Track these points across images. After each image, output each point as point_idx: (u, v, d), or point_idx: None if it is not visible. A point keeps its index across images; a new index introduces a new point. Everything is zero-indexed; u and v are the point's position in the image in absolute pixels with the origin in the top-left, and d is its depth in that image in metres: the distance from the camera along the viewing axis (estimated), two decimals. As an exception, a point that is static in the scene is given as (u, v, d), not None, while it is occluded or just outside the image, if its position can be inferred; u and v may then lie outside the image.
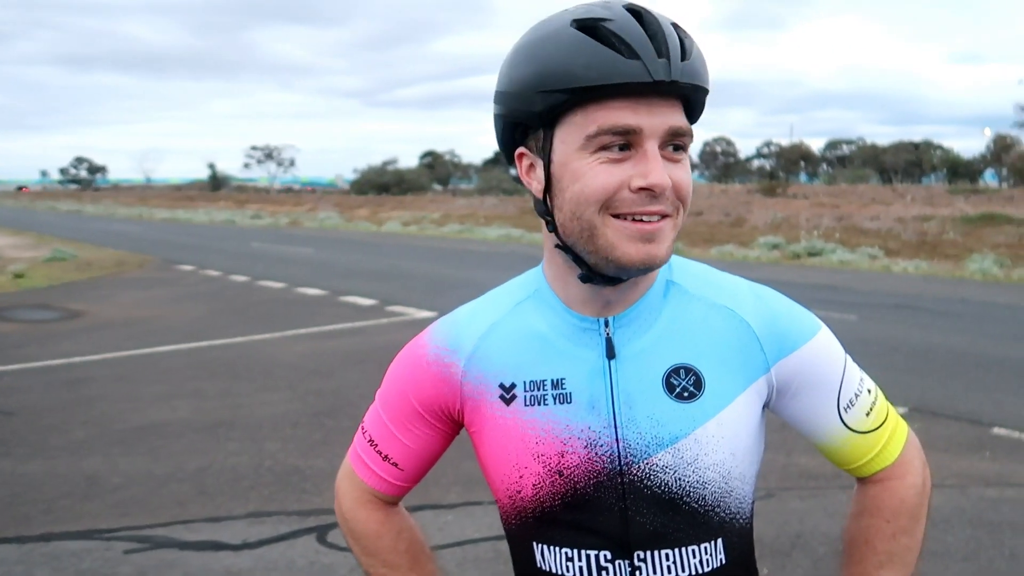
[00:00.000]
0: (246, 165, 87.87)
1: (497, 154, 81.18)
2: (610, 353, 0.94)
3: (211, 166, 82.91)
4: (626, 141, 0.85)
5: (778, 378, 0.97)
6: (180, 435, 5.09)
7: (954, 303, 11.41)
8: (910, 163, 65.86)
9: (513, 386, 0.97)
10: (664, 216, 0.87)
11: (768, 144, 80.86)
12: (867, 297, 11.92)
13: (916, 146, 69.13)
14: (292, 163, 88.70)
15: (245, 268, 15.37)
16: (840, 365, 1.01)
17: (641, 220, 0.86)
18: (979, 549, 3.53)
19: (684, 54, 0.85)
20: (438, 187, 72.08)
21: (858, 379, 1.03)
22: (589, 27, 0.85)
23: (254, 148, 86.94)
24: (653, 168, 0.84)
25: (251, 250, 20.30)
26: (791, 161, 76.65)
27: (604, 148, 0.85)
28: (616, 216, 0.86)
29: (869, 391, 1.03)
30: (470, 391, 0.99)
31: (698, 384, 0.93)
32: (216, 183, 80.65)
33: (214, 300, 11.36)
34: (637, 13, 0.86)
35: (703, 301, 0.97)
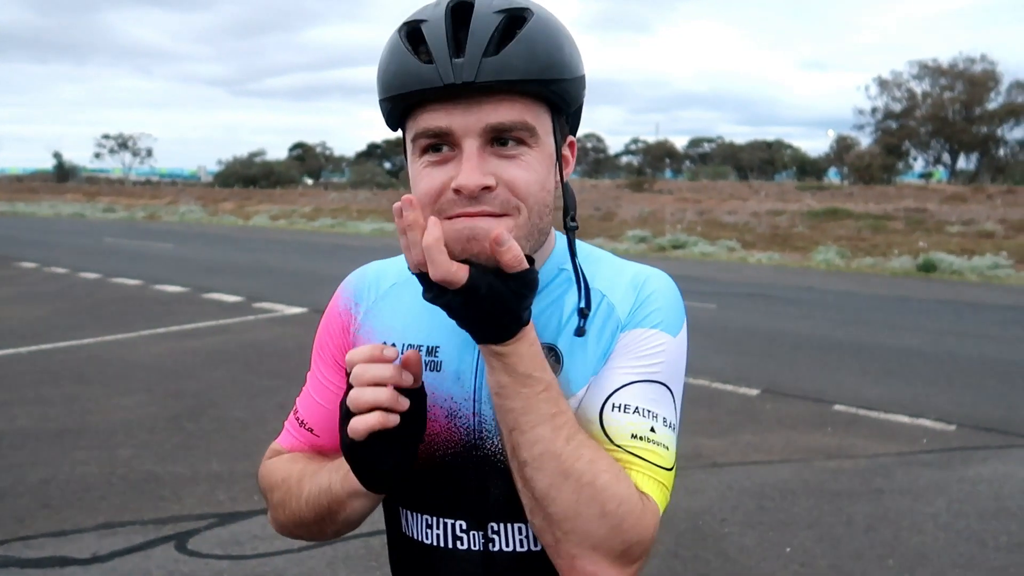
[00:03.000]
0: (97, 155, 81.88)
1: (370, 147, 79.96)
2: None
3: (57, 155, 76.59)
4: (444, 143, 0.84)
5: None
6: (19, 446, 4.68)
7: (801, 291, 12.28)
8: (764, 161, 70.31)
9: (393, 347, 0.96)
10: (496, 215, 0.84)
11: (636, 141, 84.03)
12: (725, 287, 12.63)
13: (769, 145, 73.90)
14: (149, 153, 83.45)
15: (96, 265, 14.33)
16: (652, 374, 0.92)
17: (468, 217, 0.84)
18: (821, 516, 3.83)
19: (492, 49, 0.81)
20: (309, 180, 70.00)
21: (656, 410, 0.91)
22: (411, 30, 0.85)
23: (106, 137, 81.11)
24: (464, 169, 0.82)
25: (103, 245, 18.95)
26: (657, 158, 79.96)
27: (427, 151, 0.86)
28: (449, 218, 0.84)
29: (654, 430, 0.90)
30: (359, 345, 1.00)
31: (557, 365, 0.93)
32: (63, 174, 74.57)
33: (60, 299, 10.52)
34: (460, 6, 0.84)
35: (583, 285, 0.97)
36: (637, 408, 0.90)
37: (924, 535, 3.63)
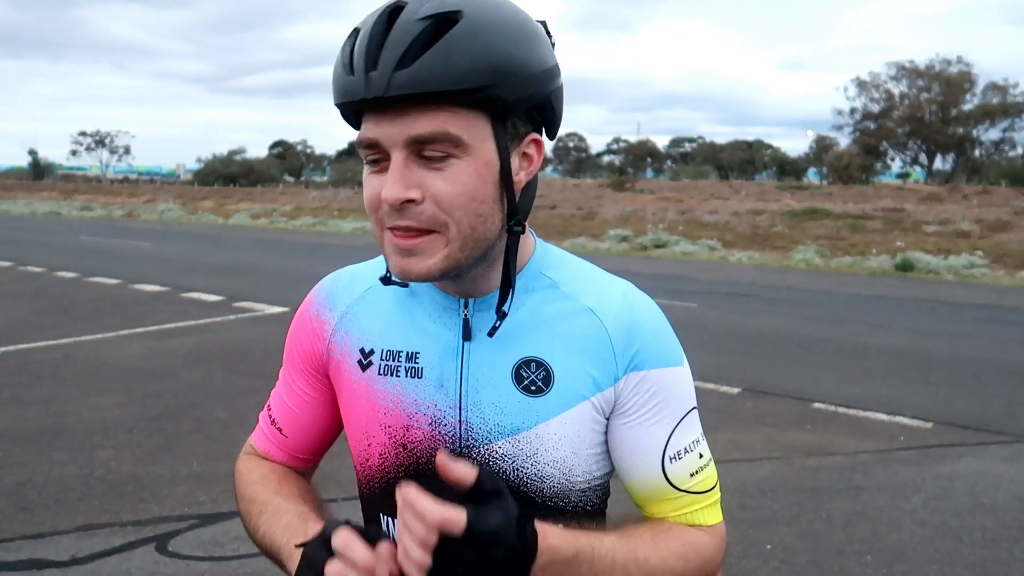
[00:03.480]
0: (74, 152, 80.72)
1: (351, 145, 79.16)
2: (466, 335, 0.93)
3: (32, 152, 75.50)
4: (379, 153, 0.84)
5: (618, 392, 0.93)
6: (-5, 447, 4.62)
7: (781, 290, 12.39)
8: (744, 161, 70.83)
9: (371, 352, 0.97)
10: (424, 232, 0.83)
11: (617, 141, 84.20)
12: (707, 286, 12.71)
13: (749, 145, 74.44)
14: (127, 151, 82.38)
15: (73, 264, 14.15)
16: (683, 409, 0.96)
17: (397, 233, 0.84)
18: (801, 513, 3.87)
19: (408, 60, 0.79)
20: (290, 179, 69.56)
21: (695, 436, 0.97)
22: (350, 38, 0.85)
23: (83, 134, 79.93)
24: (388, 182, 0.82)
25: (80, 244, 18.72)
26: (639, 157, 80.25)
27: (369, 161, 0.86)
28: (389, 229, 0.85)
29: (701, 455, 0.97)
30: (336, 350, 1.00)
31: (547, 380, 0.92)
32: (39, 171, 73.54)
33: (36, 299, 10.38)
34: (394, 12, 0.82)
35: (570, 300, 0.95)
36: (687, 448, 0.96)
37: (902, 531, 3.68)
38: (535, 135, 0.90)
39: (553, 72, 0.87)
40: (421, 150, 0.82)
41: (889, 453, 4.81)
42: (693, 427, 0.97)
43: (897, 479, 4.34)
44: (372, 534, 0.78)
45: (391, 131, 0.82)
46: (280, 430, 1.06)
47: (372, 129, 0.83)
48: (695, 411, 0.98)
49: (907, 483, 4.28)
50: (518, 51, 0.82)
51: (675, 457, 0.95)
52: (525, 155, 0.89)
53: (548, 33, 0.91)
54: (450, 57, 0.79)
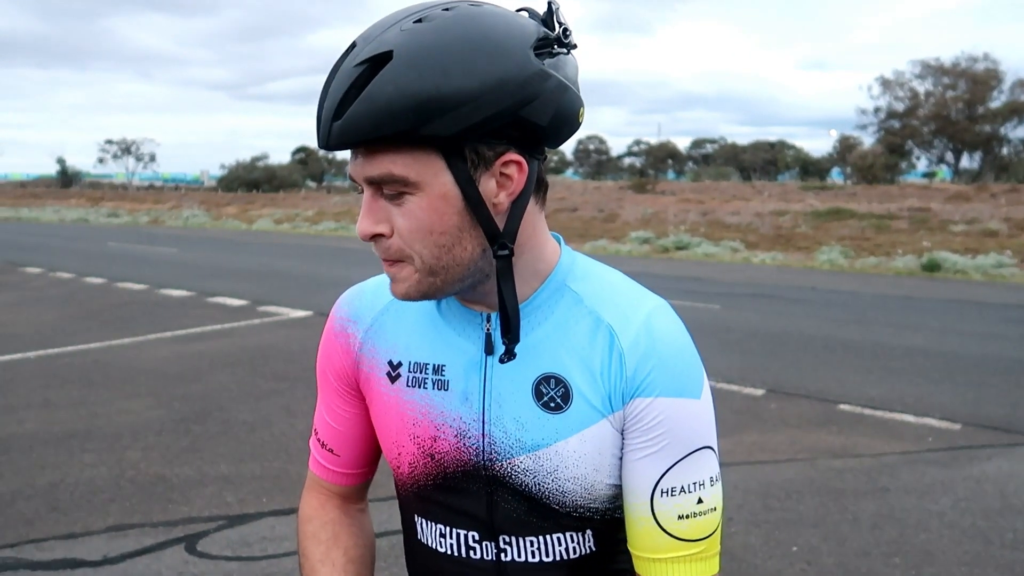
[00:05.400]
0: (100, 160, 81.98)
1: (373, 150, 79.42)
2: (489, 349, 0.93)
3: (60, 161, 76.84)
4: (360, 190, 0.87)
5: (625, 415, 0.91)
6: (28, 449, 4.71)
7: (805, 291, 12.28)
8: (767, 161, 70.27)
9: (400, 364, 0.98)
10: (397, 260, 0.87)
11: (638, 143, 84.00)
12: (729, 287, 12.63)
13: (772, 146, 73.87)
14: (152, 158, 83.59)
15: (101, 269, 14.38)
16: (691, 446, 0.90)
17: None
18: (826, 515, 3.84)
19: (342, 110, 0.80)
20: (312, 184, 70.06)
21: (700, 479, 0.91)
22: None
23: (109, 142, 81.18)
24: (359, 218, 0.87)
25: (108, 250, 19.01)
26: (659, 159, 79.97)
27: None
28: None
29: (701, 500, 0.91)
30: (364, 363, 1.01)
31: (566, 397, 0.91)
32: (66, 179, 74.82)
33: (66, 304, 10.56)
34: (344, 56, 0.83)
35: (592, 315, 0.92)
36: (685, 487, 0.91)
37: (930, 533, 3.64)
38: (512, 155, 0.84)
39: (512, 85, 0.79)
40: (381, 188, 0.85)
41: (916, 454, 4.76)
42: (700, 468, 0.91)
43: (925, 481, 4.29)
44: None
45: (355, 171, 0.85)
46: (331, 451, 1.08)
47: (350, 167, 0.86)
48: (707, 451, 0.91)
49: (935, 484, 4.23)
50: (449, 80, 0.77)
51: (668, 492, 0.90)
52: (502, 175, 0.84)
53: (554, 23, 0.85)
54: (374, 103, 0.78)
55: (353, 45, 0.83)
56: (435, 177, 0.82)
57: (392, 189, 0.83)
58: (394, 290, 0.89)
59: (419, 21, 0.80)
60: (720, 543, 0.94)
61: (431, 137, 0.79)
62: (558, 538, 0.96)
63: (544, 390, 0.92)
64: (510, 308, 0.87)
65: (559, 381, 0.91)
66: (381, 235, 0.85)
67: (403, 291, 0.88)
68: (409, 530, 1.05)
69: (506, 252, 0.86)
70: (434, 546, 1.00)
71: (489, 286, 0.90)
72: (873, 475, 4.38)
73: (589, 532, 0.96)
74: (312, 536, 1.08)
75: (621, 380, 0.90)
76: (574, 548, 0.96)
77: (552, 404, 0.91)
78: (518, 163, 0.85)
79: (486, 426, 0.94)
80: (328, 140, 0.81)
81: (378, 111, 0.78)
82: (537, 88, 0.81)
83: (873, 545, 3.52)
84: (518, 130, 0.82)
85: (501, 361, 0.90)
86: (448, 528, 0.99)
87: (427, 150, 0.81)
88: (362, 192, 0.86)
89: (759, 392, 6.06)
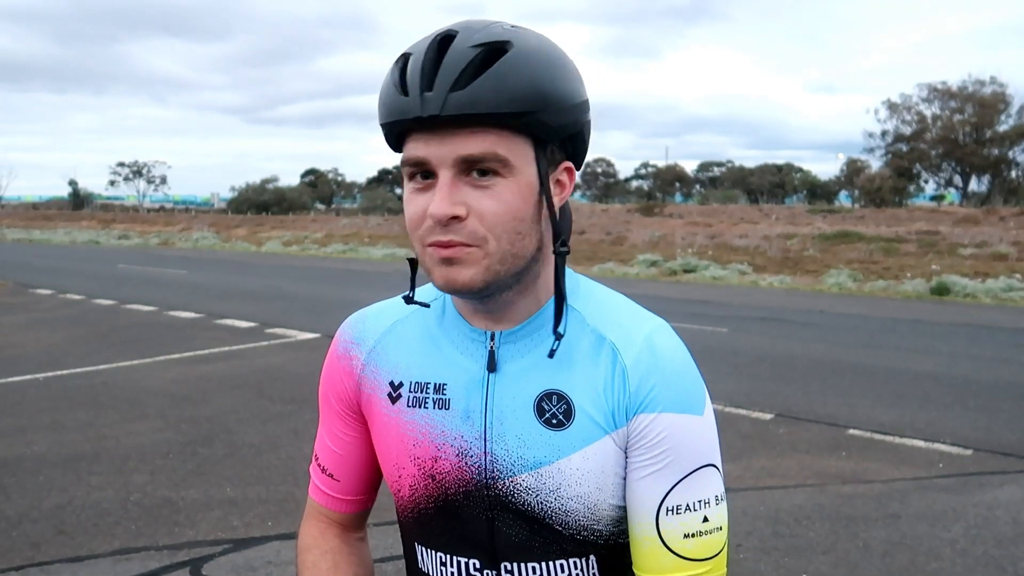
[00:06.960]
0: (112, 182, 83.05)
1: (381, 172, 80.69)
2: (491, 366, 0.94)
3: (72, 183, 77.63)
4: (424, 171, 0.87)
5: (629, 431, 0.92)
6: (35, 471, 4.71)
7: (814, 315, 12.23)
8: (774, 184, 70.39)
9: (400, 385, 0.98)
10: (466, 246, 0.86)
11: (646, 166, 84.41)
12: (737, 311, 12.59)
13: (779, 169, 74.07)
14: (163, 180, 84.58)
15: (111, 291, 14.46)
16: (695, 463, 0.91)
17: (440, 245, 0.87)
18: (837, 542, 3.79)
19: (462, 83, 0.83)
20: (321, 206, 70.63)
21: (705, 497, 0.92)
22: (400, 62, 0.88)
23: (121, 164, 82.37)
24: (436, 198, 0.85)
25: (117, 272, 19.12)
26: (667, 182, 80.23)
27: (413, 178, 0.88)
28: (429, 245, 0.87)
29: (706, 519, 0.91)
30: (366, 385, 1.01)
31: (568, 414, 0.92)
32: (78, 201, 75.52)
33: (75, 325, 10.62)
34: (445, 40, 0.86)
35: (595, 333, 0.94)
36: (690, 506, 0.91)
37: (942, 560, 3.59)
38: (568, 163, 0.93)
39: (586, 106, 0.91)
40: (468, 169, 0.85)
41: (927, 481, 4.71)
42: (704, 486, 0.91)
43: (936, 507, 4.25)
44: None
45: (441, 151, 0.85)
46: (332, 476, 1.08)
47: (420, 148, 0.86)
48: (712, 470, 0.92)
49: (947, 511, 4.18)
50: (559, 82, 0.86)
51: (673, 511, 0.91)
52: (558, 181, 0.92)
53: None
54: (502, 82, 0.83)
55: (449, 34, 0.86)
56: (526, 165, 0.87)
57: (488, 167, 0.85)
58: (456, 276, 0.87)
59: (513, 27, 0.88)
60: (726, 564, 0.94)
61: (539, 125, 0.85)
62: (561, 564, 0.95)
63: (546, 407, 0.92)
64: (567, 309, 0.93)
65: (561, 397, 0.92)
66: (457, 217, 0.85)
67: (469, 276, 0.86)
68: (411, 558, 1.04)
69: (565, 250, 0.92)
70: (434, 575, 1.00)
71: (512, 294, 0.93)
72: (884, 501, 4.33)
73: (592, 558, 0.96)
74: (312, 566, 1.07)
75: (624, 396, 0.91)
76: (577, 575, 0.96)
77: (554, 421, 0.92)
78: (570, 172, 0.94)
79: (488, 444, 0.94)
80: (444, 107, 0.82)
81: (506, 90, 0.83)
82: (589, 114, 0.93)
83: (884, 572, 3.47)
84: (573, 145, 0.92)
85: (550, 356, 0.92)
86: (448, 556, 0.98)
87: (524, 138, 0.86)
88: (420, 177, 0.87)
89: (768, 416, 6.02)
